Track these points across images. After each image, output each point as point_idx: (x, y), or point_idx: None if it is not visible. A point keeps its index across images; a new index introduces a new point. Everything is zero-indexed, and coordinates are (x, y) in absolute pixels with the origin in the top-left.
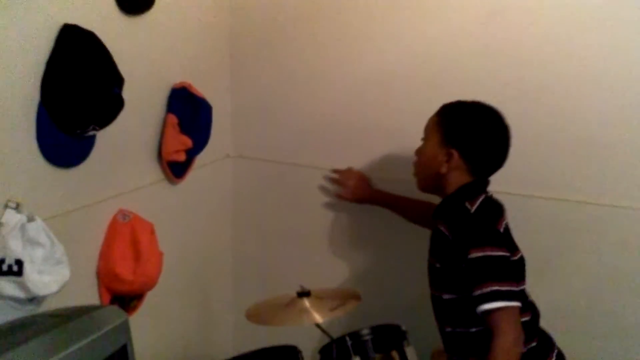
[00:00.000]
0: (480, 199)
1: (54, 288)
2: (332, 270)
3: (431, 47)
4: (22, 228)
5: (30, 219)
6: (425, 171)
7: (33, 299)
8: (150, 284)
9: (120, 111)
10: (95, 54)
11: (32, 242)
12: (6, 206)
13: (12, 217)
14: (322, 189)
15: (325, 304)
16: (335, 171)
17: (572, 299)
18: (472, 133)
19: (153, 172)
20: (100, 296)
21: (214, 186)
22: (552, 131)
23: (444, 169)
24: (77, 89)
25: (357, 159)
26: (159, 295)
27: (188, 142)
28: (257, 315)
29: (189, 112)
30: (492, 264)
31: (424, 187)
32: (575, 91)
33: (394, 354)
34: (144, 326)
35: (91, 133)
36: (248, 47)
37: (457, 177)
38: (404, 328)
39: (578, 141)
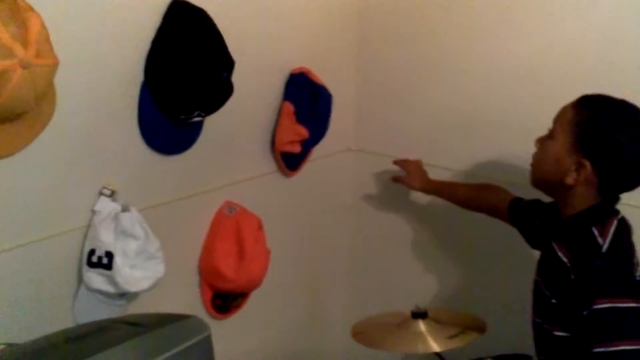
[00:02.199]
0: (613, 227)
1: (144, 285)
2: (455, 287)
3: (589, 35)
4: (116, 218)
5: (125, 209)
6: (546, 173)
7: (124, 294)
8: (254, 284)
9: (229, 97)
10: (204, 33)
11: (125, 234)
12: (101, 193)
13: (106, 206)
14: None
15: (444, 329)
16: (398, 161)
17: None
18: (614, 146)
19: (265, 163)
20: (202, 293)
21: (332, 181)
22: None
23: (570, 180)
24: (182, 72)
25: (495, 161)
26: (266, 294)
27: (304, 132)
28: (365, 334)
29: (307, 100)
30: (622, 318)
31: (537, 186)
32: None
33: None
34: (247, 326)
35: (196, 119)
36: (377, 32)
37: (584, 194)
38: None
39: None
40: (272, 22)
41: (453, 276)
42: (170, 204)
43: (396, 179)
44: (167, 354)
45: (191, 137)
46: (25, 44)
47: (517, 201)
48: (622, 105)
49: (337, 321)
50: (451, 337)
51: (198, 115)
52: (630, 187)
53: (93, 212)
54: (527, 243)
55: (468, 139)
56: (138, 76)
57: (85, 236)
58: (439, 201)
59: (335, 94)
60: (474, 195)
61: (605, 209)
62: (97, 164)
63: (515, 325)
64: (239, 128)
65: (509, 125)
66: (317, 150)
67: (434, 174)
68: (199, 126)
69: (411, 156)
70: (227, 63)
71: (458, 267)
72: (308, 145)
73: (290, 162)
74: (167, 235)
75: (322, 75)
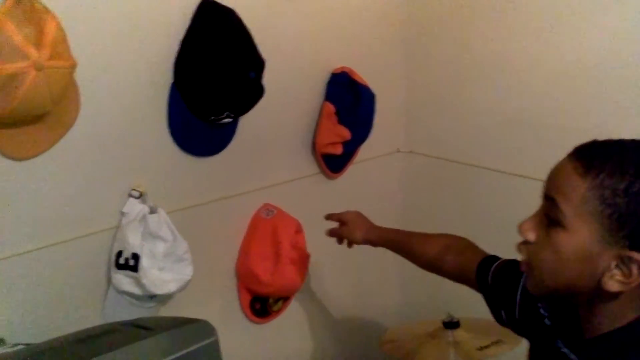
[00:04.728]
0: None
1: (172, 287)
2: None
3: None
4: (144, 219)
5: (153, 211)
6: (566, 279)
7: (153, 297)
8: (291, 288)
9: (259, 98)
10: (232, 33)
11: (153, 236)
12: (129, 195)
13: (134, 207)
14: (506, 197)
15: (477, 339)
16: (331, 216)
17: None
18: None
19: (306, 165)
20: (240, 296)
21: (379, 184)
22: None
23: (613, 285)
24: (210, 72)
25: (547, 164)
26: (309, 299)
27: (345, 133)
28: (394, 344)
29: (348, 100)
30: None
31: (543, 293)
32: None
33: None
34: (288, 331)
35: (226, 120)
36: (426, 31)
37: (625, 301)
38: None
39: None
40: (314, 21)
41: None
42: (205, 206)
43: (333, 233)
44: (169, 358)
45: (224, 139)
46: (39, 46)
47: (487, 263)
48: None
49: (384, 329)
50: (484, 347)
51: (227, 117)
52: None
53: (122, 213)
54: (494, 319)
55: (520, 141)
56: (167, 77)
57: (114, 237)
58: (492, 209)
59: (383, 95)
60: (435, 256)
61: None
62: (126, 166)
63: None
64: (278, 129)
65: (561, 127)
66: (364, 152)
67: (486, 177)
68: (233, 128)
69: (462, 158)
70: (256, 63)
71: None
72: (350, 146)
73: (333, 164)
74: (202, 237)
75: (369, 76)
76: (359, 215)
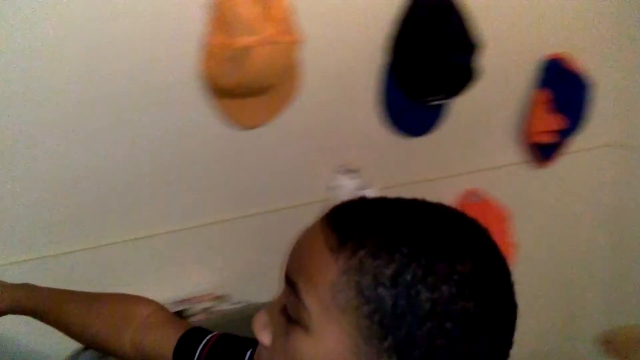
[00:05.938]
0: None
1: None
2: None
3: None
4: (354, 196)
5: (363, 187)
6: None
7: None
8: None
9: (473, 82)
10: (449, 15)
11: None
12: (341, 171)
13: (345, 183)
14: None
15: None
16: None
17: None
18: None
19: (512, 153)
20: None
21: (590, 179)
22: None
23: None
24: (427, 54)
25: None
26: None
27: (558, 123)
28: (613, 344)
29: (562, 88)
30: None
31: None
32: None
33: None
34: None
35: (437, 102)
36: None
37: None
38: None
39: None
40: (531, 5)
41: None
42: (410, 186)
43: None
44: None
45: (434, 121)
46: (269, 21)
47: (191, 339)
48: (417, 225)
49: (586, 329)
50: None
51: (439, 99)
52: None
53: (332, 188)
54: None
55: None
56: (382, 57)
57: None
58: None
59: (598, 82)
60: (126, 331)
61: None
62: (339, 142)
63: None
64: (486, 114)
65: None
66: (575, 143)
67: None
68: (442, 110)
69: None
70: (472, 46)
71: None
72: (562, 136)
73: (542, 153)
74: None
75: (584, 62)
76: None
